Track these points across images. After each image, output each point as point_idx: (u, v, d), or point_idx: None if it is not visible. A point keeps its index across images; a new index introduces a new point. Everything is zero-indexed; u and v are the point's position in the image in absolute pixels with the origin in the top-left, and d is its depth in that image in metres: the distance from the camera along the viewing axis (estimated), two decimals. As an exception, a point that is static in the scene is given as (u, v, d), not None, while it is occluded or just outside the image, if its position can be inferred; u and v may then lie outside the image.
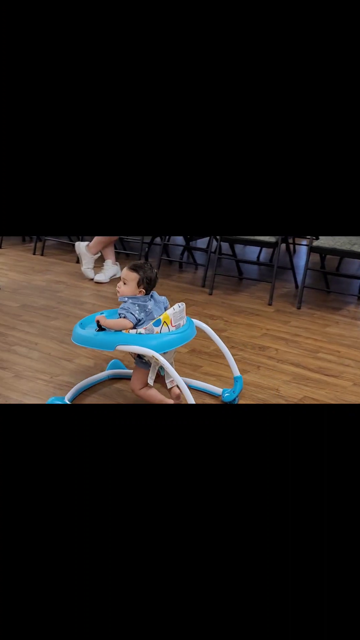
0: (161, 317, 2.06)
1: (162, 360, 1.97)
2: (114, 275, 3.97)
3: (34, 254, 4.58)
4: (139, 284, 2.13)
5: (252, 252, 4.70)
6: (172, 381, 2.09)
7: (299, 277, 3.82)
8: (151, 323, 2.06)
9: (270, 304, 3.47)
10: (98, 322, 2.09)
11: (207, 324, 2.77)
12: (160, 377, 2.15)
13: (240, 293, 3.73)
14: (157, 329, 2.06)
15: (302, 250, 4.74)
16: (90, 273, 3.93)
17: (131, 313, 2.08)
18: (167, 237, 4.31)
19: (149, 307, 2.10)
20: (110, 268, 3.98)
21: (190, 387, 2.37)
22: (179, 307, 2.12)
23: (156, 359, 1.98)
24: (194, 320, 2.28)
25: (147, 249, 4.45)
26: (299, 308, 3.42)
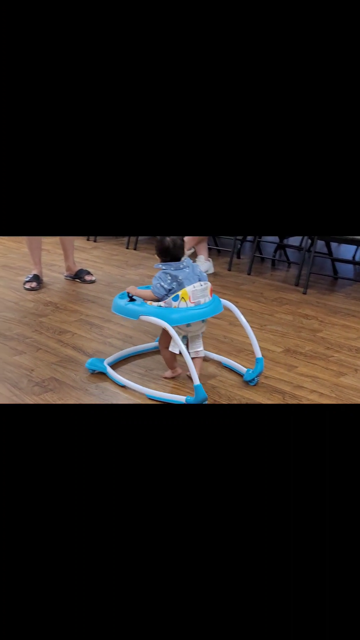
0: (179, 293, 2.22)
1: (172, 331, 2.16)
2: (207, 271, 3.97)
3: (127, 248, 4.65)
4: (159, 256, 2.32)
5: (347, 250, 4.57)
6: (197, 352, 2.35)
7: None
8: (170, 298, 2.23)
9: (367, 305, 3.36)
10: (129, 293, 2.32)
11: (301, 324, 2.73)
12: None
13: (335, 293, 3.63)
14: (175, 304, 2.23)
15: None
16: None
17: (160, 284, 2.25)
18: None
19: (180, 277, 2.24)
20: (203, 264, 3.97)
21: (223, 365, 2.61)
22: (201, 285, 2.26)
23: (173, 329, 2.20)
24: (222, 300, 2.41)
25: (239, 245, 4.42)
26: None
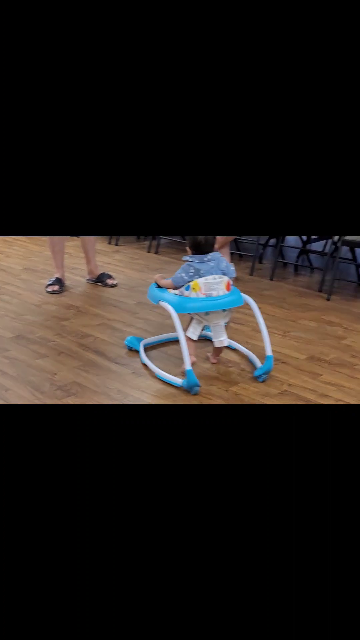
0: (191, 284, 2.38)
1: (175, 317, 2.36)
2: (229, 276, 3.94)
3: (149, 251, 4.64)
4: (190, 249, 2.48)
5: (371, 257, 4.51)
6: (221, 341, 2.46)
7: None
8: (183, 287, 2.41)
9: (392, 313, 3.31)
10: (156, 281, 2.55)
11: (325, 330, 2.72)
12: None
13: None
14: (187, 293, 2.41)
15: None
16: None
17: (182, 275, 2.43)
18: (282, 238, 4.22)
19: (202, 270, 2.39)
20: (225, 269, 3.95)
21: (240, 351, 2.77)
22: (214, 279, 2.39)
23: (196, 316, 2.44)
24: (244, 295, 2.52)
25: (261, 250, 4.39)
26: None
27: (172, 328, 2.94)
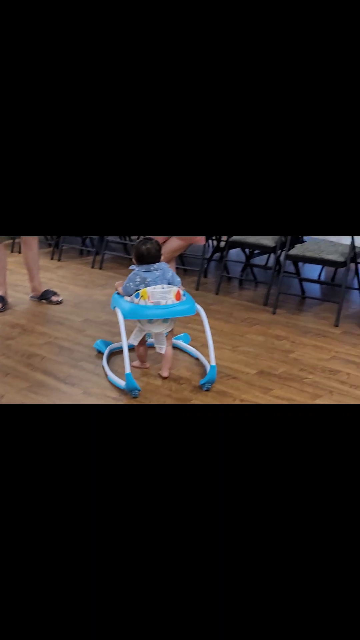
0: (140, 292, 2.48)
1: (121, 323, 2.49)
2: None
3: (92, 267, 4.59)
4: (135, 260, 2.58)
5: (310, 270, 4.61)
6: (160, 348, 2.59)
7: (365, 298, 3.72)
8: (133, 295, 2.51)
9: (336, 325, 3.38)
10: (116, 288, 2.65)
11: (272, 345, 2.78)
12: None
13: (304, 313, 3.65)
14: (136, 301, 2.50)
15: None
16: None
17: (129, 284, 2.53)
18: (226, 252, 4.26)
19: (148, 279, 2.49)
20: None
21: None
22: (163, 288, 2.49)
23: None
24: (197, 305, 2.61)
25: (206, 265, 4.41)
26: (367, 330, 3.32)
27: (133, 352, 2.92)
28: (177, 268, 4.20)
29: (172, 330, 2.66)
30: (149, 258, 2.53)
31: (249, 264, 4.41)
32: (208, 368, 2.60)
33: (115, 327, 3.30)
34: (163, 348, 2.60)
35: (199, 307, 2.61)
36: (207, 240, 4.40)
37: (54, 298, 3.68)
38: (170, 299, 2.50)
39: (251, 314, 3.59)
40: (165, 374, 2.66)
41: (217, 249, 4.50)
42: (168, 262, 3.94)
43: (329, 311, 3.61)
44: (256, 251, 4.37)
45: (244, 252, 4.48)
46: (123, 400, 2.45)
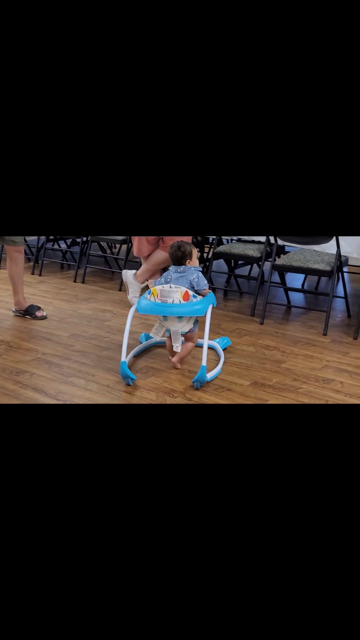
0: (151, 289, 2.66)
1: (129, 316, 2.77)
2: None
3: (75, 281, 4.53)
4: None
5: (293, 279, 4.62)
6: (176, 346, 2.78)
7: (351, 306, 3.73)
8: (146, 292, 2.69)
9: (325, 334, 3.37)
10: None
11: (262, 355, 2.76)
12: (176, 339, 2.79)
13: (291, 322, 3.63)
14: (148, 296, 2.67)
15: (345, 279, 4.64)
16: (136, 302, 3.87)
17: (162, 278, 2.74)
18: (210, 264, 4.24)
19: (171, 278, 2.70)
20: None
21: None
22: (170, 287, 2.63)
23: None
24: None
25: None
26: (355, 338, 3.31)
27: (109, 358, 2.88)
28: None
29: (194, 330, 2.83)
30: (174, 260, 2.76)
31: (235, 274, 4.40)
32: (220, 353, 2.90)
33: (103, 342, 3.26)
34: (179, 347, 2.78)
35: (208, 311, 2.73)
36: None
37: (38, 313, 3.62)
38: (177, 299, 2.62)
39: (239, 324, 3.57)
40: (175, 359, 2.83)
41: (201, 259, 4.48)
42: (153, 274, 3.93)
43: (316, 320, 3.61)
44: (240, 262, 4.36)
45: (228, 263, 4.47)
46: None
